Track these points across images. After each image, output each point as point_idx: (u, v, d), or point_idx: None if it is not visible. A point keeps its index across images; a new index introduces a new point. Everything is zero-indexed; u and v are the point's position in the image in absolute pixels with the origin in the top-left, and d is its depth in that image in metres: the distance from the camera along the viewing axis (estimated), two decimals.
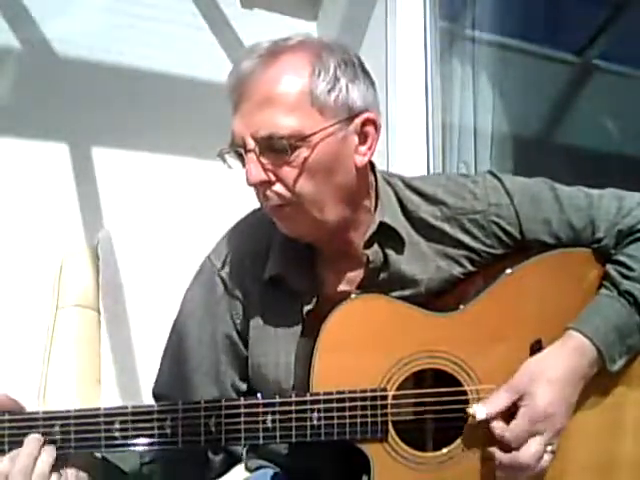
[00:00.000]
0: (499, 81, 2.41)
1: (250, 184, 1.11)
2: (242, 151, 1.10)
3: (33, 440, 1.02)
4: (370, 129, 1.14)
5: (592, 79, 2.79)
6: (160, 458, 1.17)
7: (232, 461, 1.25)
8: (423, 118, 2.30)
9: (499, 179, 1.23)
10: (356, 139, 1.13)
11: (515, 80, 2.53)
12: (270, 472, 1.25)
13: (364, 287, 1.19)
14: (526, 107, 2.58)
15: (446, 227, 1.20)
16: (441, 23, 2.35)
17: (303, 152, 1.08)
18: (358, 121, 1.12)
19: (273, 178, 1.10)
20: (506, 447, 1.10)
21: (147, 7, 2.37)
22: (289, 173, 1.09)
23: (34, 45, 2.24)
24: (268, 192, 1.11)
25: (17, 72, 2.23)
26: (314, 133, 1.08)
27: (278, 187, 1.10)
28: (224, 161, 1.14)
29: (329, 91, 1.09)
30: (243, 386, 1.24)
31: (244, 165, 1.11)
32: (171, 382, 1.23)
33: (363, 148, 1.14)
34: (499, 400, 1.10)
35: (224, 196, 2.26)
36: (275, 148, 1.08)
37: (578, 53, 2.71)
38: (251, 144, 1.09)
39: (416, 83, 2.30)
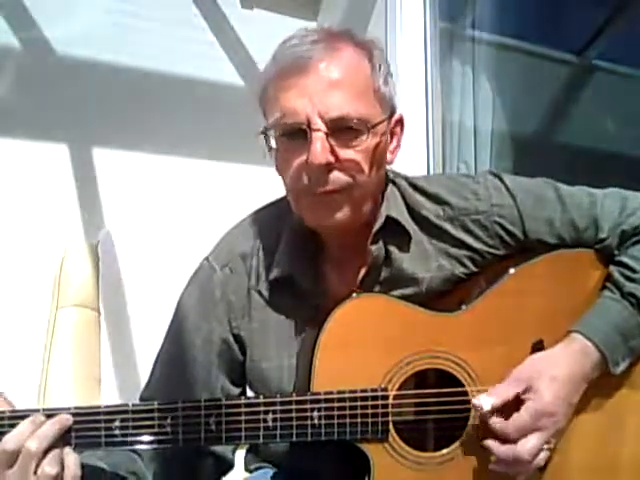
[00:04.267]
0: (499, 81, 2.41)
1: (314, 165, 1.07)
2: (306, 128, 1.07)
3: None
4: (398, 129, 1.18)
5: (592, 79, 2.79)
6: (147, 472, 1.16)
7: (223, 468, 1.23)
8: (423, 118, 2.29)
9: (501, 179, 1.22)
10: (388, 137, 1.16)
11: (515, 80, 2.53)
12: (270, 472, 1.24)
13: (366, 284, 1.18)
14: (526, 107, 2.58)
15: (449, 227, 1.20)
16: (441, 23, 2.35)
17: (368, 140, 1.09)
18: (393, 119, 1.16)
19: (335, 161, 1.08)
20: (505, 440, 1.09)
21: (147, 7, 2.37)
22: (353, 158, 1.09)
23: (34, 45, 2.24)
24: (328, 175, 1.08)
25: (17, 72, 2.23)
26: (378, 123, 1.10)
27: (337, 171, 1.09)
28: (267, 140, 1.11)
29: (385, 85, 1.12)
30: (235, 391, 1.22)
31: (292, 146, 1.08)
32: (161, 387, 1.21)
33: (391, 147, 1.17)
34: (504, 392, 1.09)
35: (224, 196, 2.26)
36: (344, 131, 1.08)
37: (578, 53, 2.71)
38: (319, 124, 1.06)
39: (416, 83, 2.29)
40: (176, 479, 1.20)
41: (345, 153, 1.08)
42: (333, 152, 1.07)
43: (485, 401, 1.09)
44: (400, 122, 1.18)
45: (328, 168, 1.08)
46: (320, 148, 1.06)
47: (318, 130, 1.06)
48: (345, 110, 1.06)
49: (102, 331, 2.06)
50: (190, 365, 1.20)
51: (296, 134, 1.08)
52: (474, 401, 1.09)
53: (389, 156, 1.17)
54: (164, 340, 1.24)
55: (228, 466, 1.23)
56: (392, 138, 1.17)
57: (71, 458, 1.02)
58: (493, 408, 1.08)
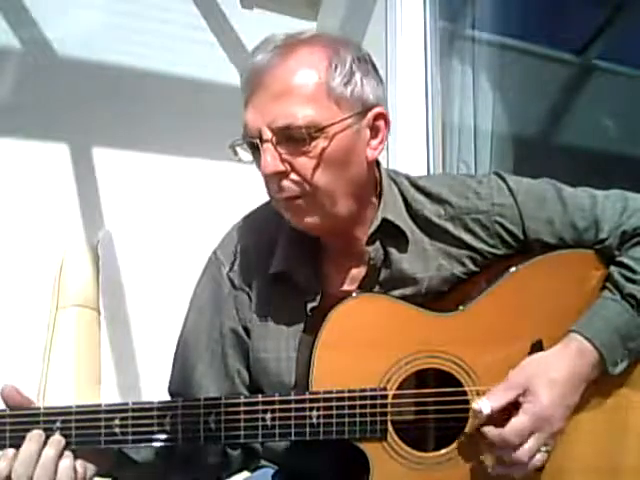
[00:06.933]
0: (499, 81, 2.41)
1: (266, 174, 1.10)
2: (257, 142, 1.10)
3: (35, 435, 1.03)
4: (381, 123, 1.15)
5: (592, 79, 2.79)
6: (177, 453, 1.17)
7: (251, 456, 1.26)
8: (423, 118, 2.30)
9: (504, 179, 1.22)
10: (368, 133, 1.14)
11: (515, 80, 2.52)
12: (270, 472, 1.24)
13: (365, 285, 1.19)
14: (526, 107, 2.58)
15: (449, 226, 1.20)
16: (441, 23, 2.35)
17: (320, 143, 1.09)
18: (370, 115, 1.14)
19: (289, 168, 1.10)
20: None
21: (147, 7, 2.38)
22: (306, 164, 1.10)
23: (34, 45, 2.24)
24: (283, 183, 1.11)
25: (17, 72, 2.24)
26: (331, 124, 1.09)
27: (294, 177, 1.10)
28: (235, 153, 1.15)
29: (345, 84, 1.10)
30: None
31: (256, 157, 1.11)
32: (184, 380, 1.23)
33: (374, 142, 1.15)
34: (503, 395, 1.10)
35: (224, 195, 2.27)
36: (293, 138, 1.08)
37: (578, 53, 2.71)
38: (267, 134, 1.09)
39: (416, 83, 2.30)
40: (209, 468, 1.22)
41: (297, 160, 1.10)
42: (285, 160, 1.10)
43: (484, 405, 1.09)
44: (382, 116, 1.15)
45: (281, 176, 1.10)
46: (269, 158, 1.09)
47: (267, 141, 1.09)
48: (290, 118, 1.07)
49: (102, 331, 2.07)
50: (210, 358, 1.22)
51: (256, 147, 1.11)
52: (474, 405, 1.09)
53: (369, 152, 1.15)
54: (181, 333, 1.27)
55: (255, 456, 1.26)
56: (374, 133, 1.16)
57: (64, 463, 1.03)
58: (493, 412, 1.08)
